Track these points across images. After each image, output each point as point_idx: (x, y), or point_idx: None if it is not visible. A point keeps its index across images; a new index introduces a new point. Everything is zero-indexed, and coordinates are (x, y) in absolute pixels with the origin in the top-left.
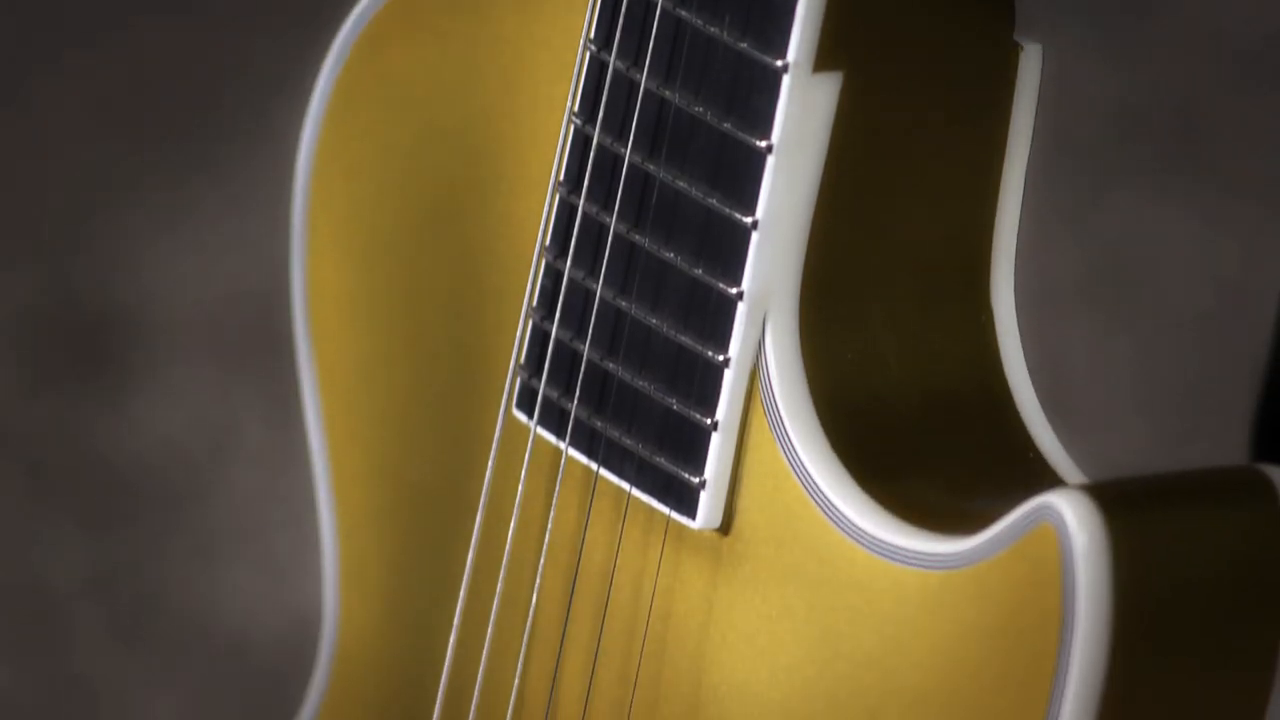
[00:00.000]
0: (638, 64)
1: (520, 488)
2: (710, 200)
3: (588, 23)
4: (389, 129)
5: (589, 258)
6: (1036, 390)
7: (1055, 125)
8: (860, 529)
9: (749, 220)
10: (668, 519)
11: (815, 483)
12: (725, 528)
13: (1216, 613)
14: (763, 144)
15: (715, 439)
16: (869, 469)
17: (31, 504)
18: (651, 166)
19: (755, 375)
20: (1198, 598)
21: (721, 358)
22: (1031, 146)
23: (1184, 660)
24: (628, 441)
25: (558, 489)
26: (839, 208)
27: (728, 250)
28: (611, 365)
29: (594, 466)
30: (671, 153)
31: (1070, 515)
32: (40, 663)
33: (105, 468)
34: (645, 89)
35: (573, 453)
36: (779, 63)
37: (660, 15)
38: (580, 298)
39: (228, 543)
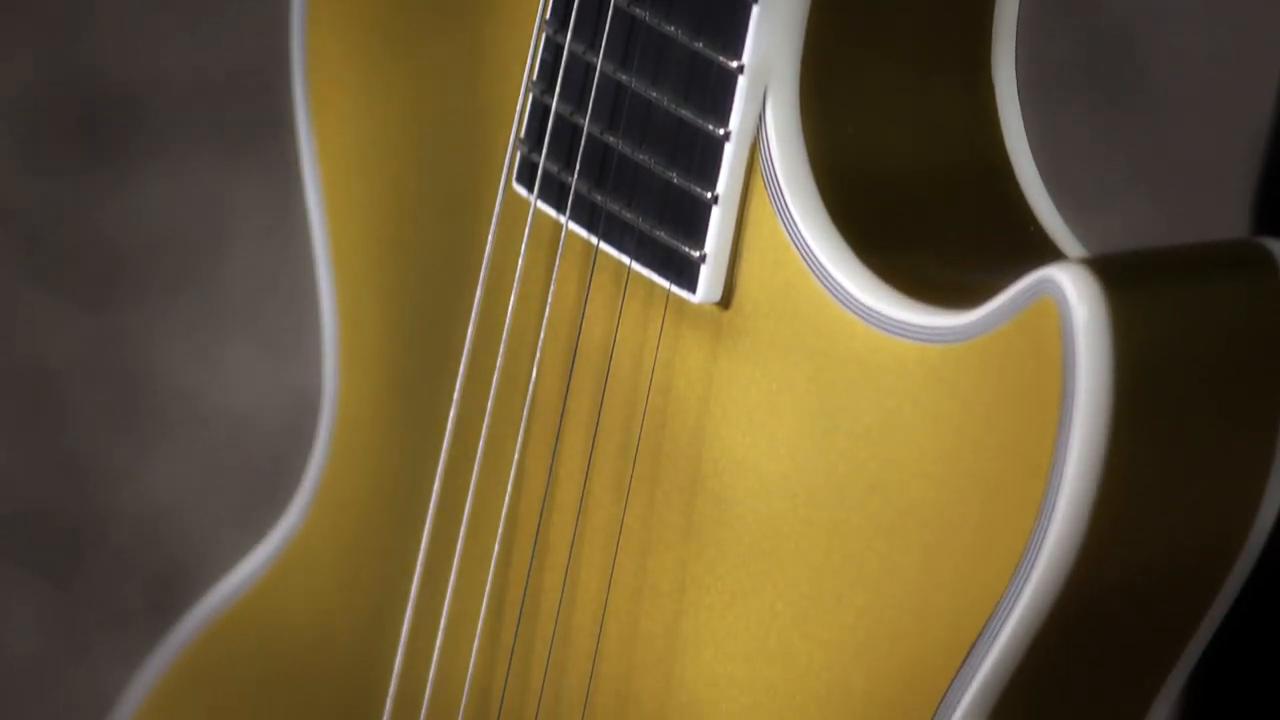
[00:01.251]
0: None
1: (520, 262)
2: None
3: None
4: None
5: (589, 31)
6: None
7: None
8: (860, 302)
9: None
10: (668, 293)
11: (815, 256)
12: (725, 302)
13: (1216, 384)
14: None
15: (715, 212)
16: (869, 242)
17: (31, 282)
18: None
19: (755, 149)
20: (1198, 369)
21: (722, 131)
22: None
23: (1184, 431)
24: (628, 215)
25: (558, 263)
26: None
27: (728, 23)
28: (611, 139)
29: (594, 241)
30: None
31: (1070, 289)
32: (37, 440)
33: (105, 247)
34: None
35: (573, 227)
36: None
37: None
38: (580, 71)
39: (227, 323)
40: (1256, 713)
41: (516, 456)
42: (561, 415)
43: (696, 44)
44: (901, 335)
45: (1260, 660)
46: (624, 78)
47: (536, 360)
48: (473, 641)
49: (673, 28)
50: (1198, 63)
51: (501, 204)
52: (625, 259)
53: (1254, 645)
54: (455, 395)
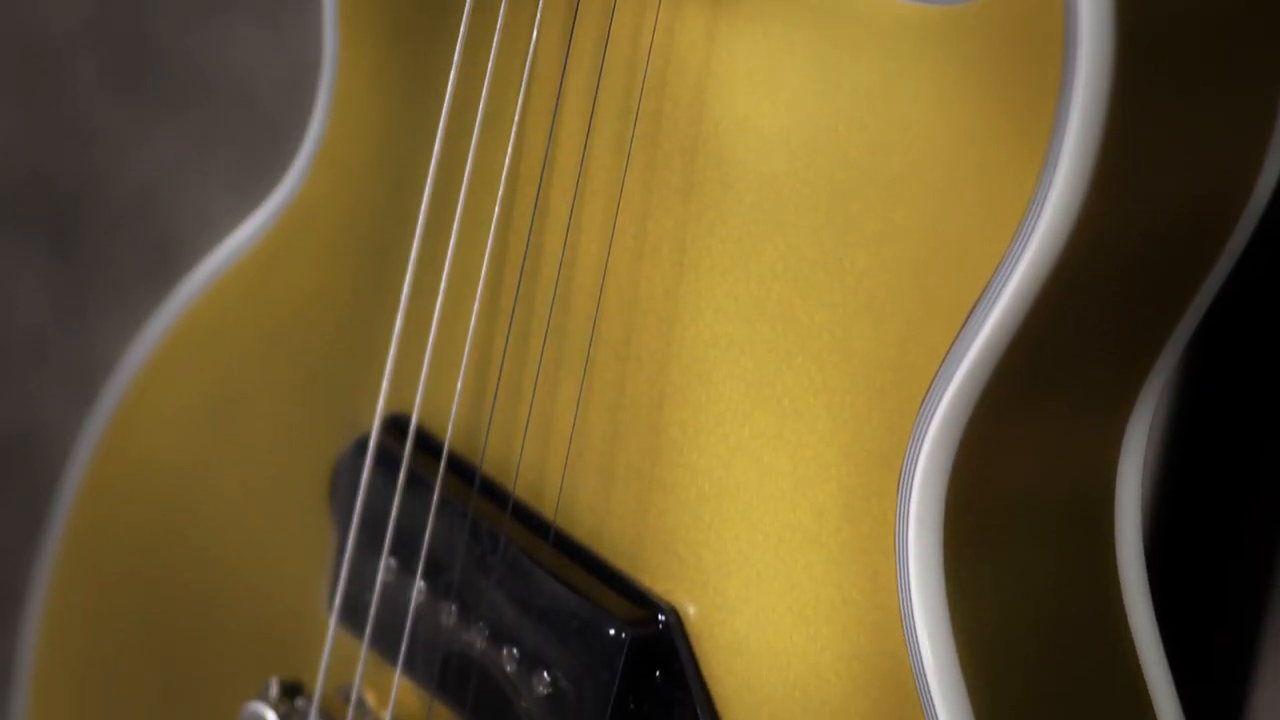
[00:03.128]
0: None
1: None
2: None
3: None
4: None
5: None
6: None
7: None
8: None
9: None
10: None
11: None
12: None
13: (1219, 38)
14: None
15: None
16: None
17: None
18: None
19: None
20: (1200, 22)
21: None
22: None
23: (1185, 87)
24: None
25: None
26: None
27: None
28: None
29: None
30: None
31: None
32: (37, 107)
33: None
34: None
35: None
36: None
37: None
38: None
39: None
40: (1242, 419)
41: (517, 117)
42: (562, 76)
43: None
44: None
45: (1250, 351)
46: None
47: (537, 21)
48: (473, 304)
49: None
50: None
51: None
52: None
53: (1248, 331)
54: (456, 57)
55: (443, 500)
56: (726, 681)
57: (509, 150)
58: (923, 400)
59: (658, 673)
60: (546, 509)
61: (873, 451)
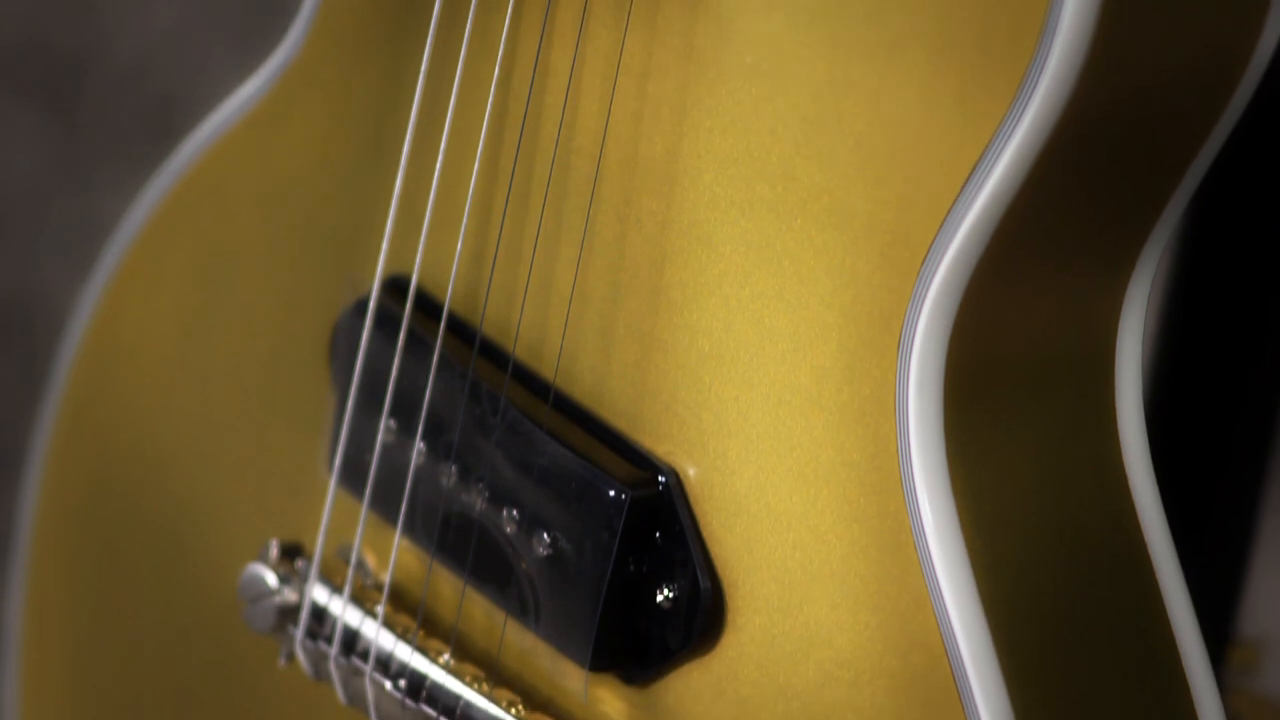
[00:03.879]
0: None
1: None
2: None
3: None
4: None
5: None
6: None
7: None
8: None
9: None
10: None
11: None
12: None
13: None
14: None
15: None
16: None
17: None
18: None
19: None
20: None
21: None
22: None
23: None
24: None
25: None
26: None
27: None
28: None
29: None
30: None
31: None
32: None
33: None
34: None
35: None
36: None
37: None
38: None
39: None
40: (1243, 281)
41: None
42: None
43: None
44: None
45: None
46: None
47: None
48: (473, 164)
49: None
50: None
51: None
52: None
53: (1249, 193)
54: None
55: (443, 361)
56: (726, 543)
57: (509, 9)
58: (923, 262)
59: (658, 534)
60: (546, 370)
61: (873, 313)
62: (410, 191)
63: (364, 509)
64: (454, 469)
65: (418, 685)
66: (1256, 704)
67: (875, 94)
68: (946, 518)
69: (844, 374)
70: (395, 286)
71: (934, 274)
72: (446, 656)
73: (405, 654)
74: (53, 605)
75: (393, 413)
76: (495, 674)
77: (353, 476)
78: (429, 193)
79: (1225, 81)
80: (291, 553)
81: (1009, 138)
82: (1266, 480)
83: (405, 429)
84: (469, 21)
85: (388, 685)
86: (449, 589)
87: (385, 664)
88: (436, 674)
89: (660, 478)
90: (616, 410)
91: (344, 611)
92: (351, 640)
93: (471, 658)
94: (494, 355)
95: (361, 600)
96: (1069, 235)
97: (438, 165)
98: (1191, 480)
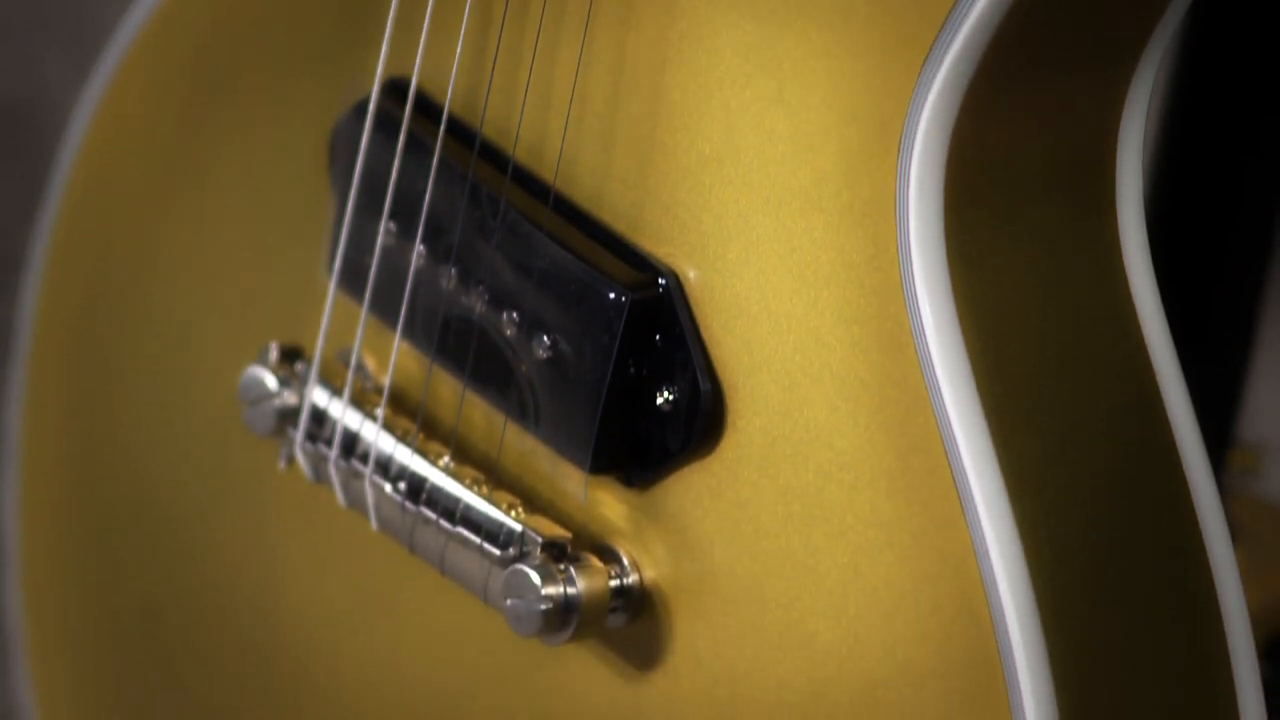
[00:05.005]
0: None
1: None
2: None
3: None
4: None
5: None
6: None
7: None
8: None
9: None
10: None
11: None
12: None
13: None
14: None
15: None
16: None
17: None
18: None
19: None
20: None
21: None
22: None
23: None
24: None
25: None
26: None
27: None
28: None
29: None
30: None
31: None
32: None
33: None
34: None
35: None
36: None
37: None
38: None
39: None
40: (1243, 86)
41: None
42: None
43: None
44: None
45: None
46: None
47: None
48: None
49: None
50: None
51: None
52: None
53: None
54: None
55: (443, 162)
56: (726, 345)
57: None
58: (924, 63)
59: (658, 336)
60: (546, 172)
61: (873, 115)
62: (398, 43)
63: (364, 311)
64: (454, 272)
65: (417, 488)
66: (1255, 507)
67: None
68: (946, 319)
69: (844, 176)
70: (395, 88)
71: (935, 75)
72: (446, 459)
73: (405, 456)
74: (51, 410)
75: (392, 215)
76: (495, 477)
77: (352, 279)
78: (414, 54)
79: None
80: (291, 355)
81: None
82: (1265, 286)
83: (405, 232)
84: None
85: (387, 488)
86: (449, 392)
87: (385, 467)
88: (436, 476)
89: (660, 280)
90: (617, 213)
91: (344, 414)
92: (351, 443)
93: (471, 461)
94: (494, 157)
95: (361, 403)
96: (1069, 37)
97: (423, 37)
98: (1191, 287)
